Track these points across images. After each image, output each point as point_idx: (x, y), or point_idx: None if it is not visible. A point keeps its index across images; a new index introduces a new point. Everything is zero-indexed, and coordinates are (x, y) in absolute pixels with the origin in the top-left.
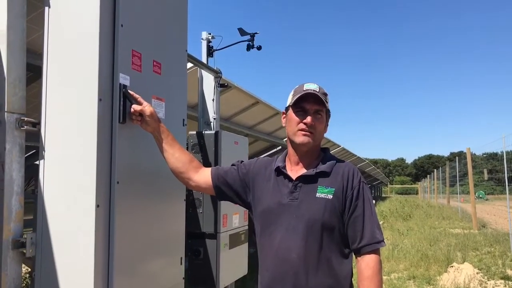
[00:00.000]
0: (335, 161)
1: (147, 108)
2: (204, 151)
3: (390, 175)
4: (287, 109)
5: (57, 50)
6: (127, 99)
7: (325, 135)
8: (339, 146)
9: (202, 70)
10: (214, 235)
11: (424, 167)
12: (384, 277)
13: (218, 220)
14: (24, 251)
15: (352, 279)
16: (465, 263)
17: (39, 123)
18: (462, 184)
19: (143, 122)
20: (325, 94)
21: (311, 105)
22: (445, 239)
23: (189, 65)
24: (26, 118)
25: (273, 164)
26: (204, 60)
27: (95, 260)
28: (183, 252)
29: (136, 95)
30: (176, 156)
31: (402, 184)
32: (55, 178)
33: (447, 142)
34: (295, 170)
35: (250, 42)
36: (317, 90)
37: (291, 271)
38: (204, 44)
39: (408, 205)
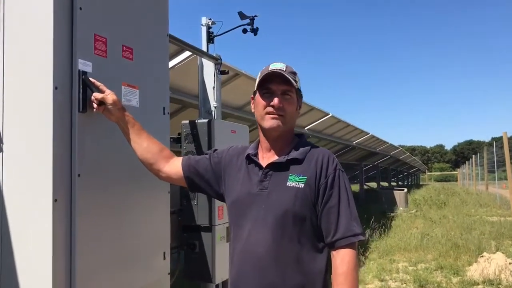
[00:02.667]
0: (309, 147)
1: (109, 96)
2: (197, 141)
3: (429, 162)
4: (254, 93)
5: (12, 37)
6: (88, 87)
7: (353, 123)
8: (367, 133)
9: (202, 58)
10: (210, 228)
11: (464, 153)
12: (410, 268)
13: (213, 212)
14: None
15: (328, 276)
16: (497, 252)
17: None
18: (504, 170)
19: (106, 111)
20: (294, 73)
21: (277, 86)
22: (479, 228)
23: (188, 53)
24: None
25: (245, 151)
26: (204, 46)
27: (53, 258)
28: (167, 247)
29: (98, 83)
30: (144, 146)
31: (441, 171)
32: (13, 172)
33: (489, 127)
34: (266, 158)
35: (250, 26)
36: (284, 69)
37: (258, 266)
38: (204, 30)
39: (444, 193)
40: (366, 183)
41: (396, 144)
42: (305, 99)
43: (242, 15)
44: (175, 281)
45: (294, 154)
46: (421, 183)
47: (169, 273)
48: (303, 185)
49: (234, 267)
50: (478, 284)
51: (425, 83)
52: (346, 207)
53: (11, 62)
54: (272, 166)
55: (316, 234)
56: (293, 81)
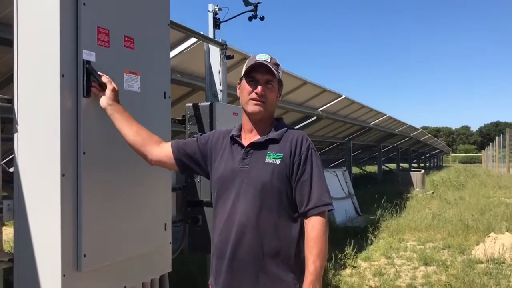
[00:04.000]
0: (286, 129)
1: (112, 82)
2: (200, 122)
3: (454, 143)
4: (241, 79)
5: (24, 30)
6: (92, 75)
7: (370, 105)
8: (384, 114)
9: (208, 44)
10: (211, 203)
11: (491, 135)
12: (418, 247)
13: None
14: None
15: (301, 242)
16: (506, 233)
17: (12, 99)
18: None
19: (103, 96)
20: (277, 65)
21: (261, 75)
22: (494, 209)
23: (194, 39)
24: (0, 96)
25: (230, 133)
26: (210, 32)
27: (62, 223)
28: (169, 219)
29: (101, 73)
30: (135, 130)
31: (466, 153)
32: (27, 149)
33: None
34: (248, 138)
35: (253, 13)
36: (268, 61)
37: (239, 232)
38: (210, 16)
39: (465, 174)
40: (386, 165)
41: (420, 125)
42: (317, 80)
43: (246, 2)
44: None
45: (272, 134)
46: (443, 164)
47: (170, 243)
48: (279, 161)
49: (219, 235)
50: (482, 263)
51: (451, 63)
52: (318, 180)
53: (24, 54)
54: (253, 145)
55: (290, 205)
56: (275, 72)
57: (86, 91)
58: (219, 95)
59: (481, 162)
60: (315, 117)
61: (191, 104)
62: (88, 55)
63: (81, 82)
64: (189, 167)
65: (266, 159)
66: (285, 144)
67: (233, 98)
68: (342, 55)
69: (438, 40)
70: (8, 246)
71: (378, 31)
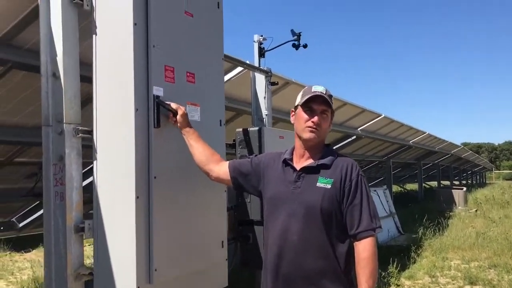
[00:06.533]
0: (336, 156)
1: (181, 108)
2: (249, 146)
3: (497, 160)
4: (296, 107)
5: (102, 71)
6: (161, 106)
7: (409, 123)
8: (424, 132)
9: (254, 72)
10: (261, 222)
11: None
12: (463, 266)
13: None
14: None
15: (349, 260)
16: None
17: (91, 131)
18: None
19: (176, 121)
20: (330, 96)
21: (318, 106)
22: None
23: (240, 68)
24: (81, 128)
25: (281, 156)
26: (256, 60)
27: (136, 241)
28: (225, 236)
29: (168, 102)
30: (200, 150)
31: (510, 170)
32: (104, 175)
33: None
34: (300, 162)
35: (296, 42)
36: (324, 92)
37: (292, 251)
38: (256, 46)
39: (510, 192)
40: (426, 182)
41: (461, 141)
42: (356, 100)
43: (293, 33)
44: (233, 268)
45: (323, 160)
46: (486, 181)
47: (226, 259)
48: (330, 186)
49: (270, 252)
50: None
51: (492, 78)
52: (367, 206)
53: (101, 91)
54: (305, 169)
55: (338, 227)
56: (331, 103)
57: (156, 122)
58: (264, 119)
59: None
60: (354, 137)
61: (241, 129)
62: (157, 90)
63: (152, 114)
64: (242, 185)
65: (317, 183)
66: (335, 170)
67: (275, 120)
68: (377, 73)
69: (475, 52)
70: (88, 261)
71: (414, 47)
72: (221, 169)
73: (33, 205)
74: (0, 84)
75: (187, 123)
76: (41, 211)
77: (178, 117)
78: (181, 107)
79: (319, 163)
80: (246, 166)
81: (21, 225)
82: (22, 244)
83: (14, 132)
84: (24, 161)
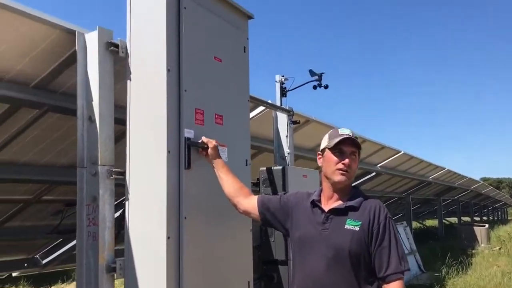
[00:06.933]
0: (363, 198)
1: (212, 141)
2: (273, 184)
3: None
4: (323, 150)
5: (136, 114)
6: (194, 146)
7: (429, 159)
8: (443, 168)
9: (276, 111)
10: (286, 262)
11: None
12: None
13: (288, 247)
14: (115, 274)
15: None
16: None
17: (124, 172)
18: None
19: (207, 154)
20: (356, 137)
21: (348, 148)
22: None
23: (262, 107)
24: (114, 169)
25: (310, 197)
26: (278, 100)
27: (167, 282)
28: (251, 276)
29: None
30: (230, 182)
31: None
32: (137, 215)
33: None
34: (328, 204)
35: (318, 82)
36: (351, 135)
37: None
38: (277, 86)
39: None
40: (446, 218)
41: (480, 176)
42: (375, 137)
43: (312, 73)
44: None
45: (351, 202)
46: (509, 218)
47: None
48: (358, 228)
49: None
50: None
51: (503, 114)
52: (396, 248)
53: (135, 134)
54: (333, 211)
55: (366, 268)
56: (360, 145)
57: (187, 164)
58: (286, 157)
59: None
60: (374, 173)
61: (264, 168)
62: (188, 132)
63: (183, 156)
64: (270, 220)
65: (345, 225)
66: (363, 212)
67: (296, 157)
68: (399, 110)
69: (493, 85)
70: None
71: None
72: (250, 202)
73: (56, 242)
74: (35, 126)
75: (217, 155)
76: (65, 248)
77: (209, 150)
78: (211, 140)
79: (347, 205)
80: (274, 202)
81: (44, 262)
82: (42, 280)
83: (43, 171)
84: (51, 199)
